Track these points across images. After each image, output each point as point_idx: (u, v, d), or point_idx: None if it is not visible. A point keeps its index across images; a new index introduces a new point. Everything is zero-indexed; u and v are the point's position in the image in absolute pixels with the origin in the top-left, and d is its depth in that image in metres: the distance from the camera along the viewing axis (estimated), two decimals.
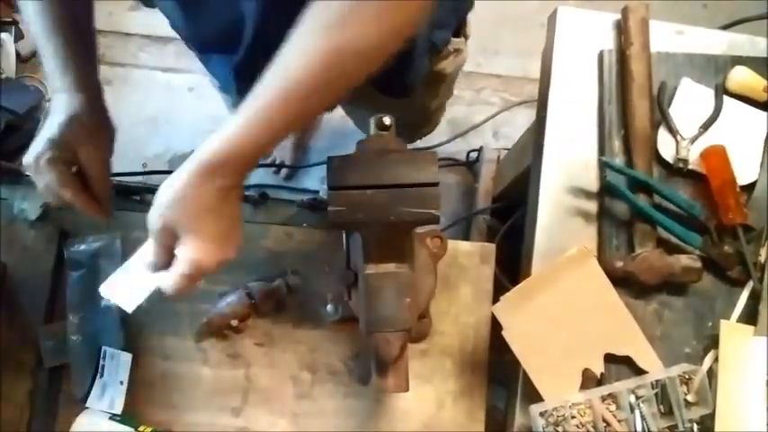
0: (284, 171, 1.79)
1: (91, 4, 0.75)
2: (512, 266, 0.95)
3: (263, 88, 0.52)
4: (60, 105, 0.70)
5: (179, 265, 0.57)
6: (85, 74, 0.72)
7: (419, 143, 1.51)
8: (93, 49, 0.75)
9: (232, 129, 0.53)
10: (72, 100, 0.70)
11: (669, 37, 0.91)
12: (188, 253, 0.56)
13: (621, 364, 0.81)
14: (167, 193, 0.55)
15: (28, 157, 0.70)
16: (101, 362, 0.86)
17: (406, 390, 0.69)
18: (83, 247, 0.90)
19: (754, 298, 0.81)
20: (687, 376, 0.78)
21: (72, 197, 0.70)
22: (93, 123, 0.71)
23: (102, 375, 0.86)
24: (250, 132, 0.53)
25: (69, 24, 0.70)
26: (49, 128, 0.69)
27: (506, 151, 1.63)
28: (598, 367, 0.80)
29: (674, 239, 0.82)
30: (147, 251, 0.60)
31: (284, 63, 0.52)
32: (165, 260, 0.58)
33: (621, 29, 0.88)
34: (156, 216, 0.56)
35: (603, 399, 0.78)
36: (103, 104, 0.74)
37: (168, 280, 0.57)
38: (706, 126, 0.85)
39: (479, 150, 1.73)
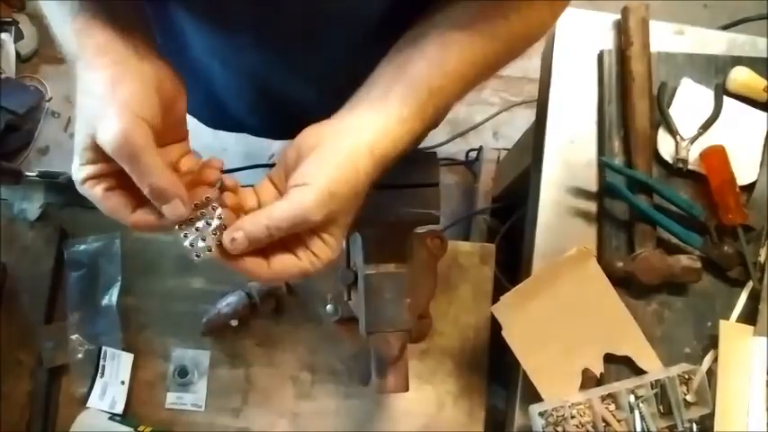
0: None
1: None
2: (512, 266, 0.95)
3: (426, 79, 0.48)
4: (87, 84, 0.45)
5: (312, 260, 0.48)
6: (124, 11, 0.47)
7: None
8: None
9: (401, 125, 0.48)
10: (102, 69, 0.45)
11: (669, 37, 0.91)
12: (330, 251, 0.48)
13: (621, 364, 0.81)
14: (344, 186, 0.46)
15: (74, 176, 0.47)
16: (101, 362, 0.86)
17: (406, 390, 0.69)
18: (83, 247, 0.90)
19: (754, 298, 0.81)
20: (687, 376, 0.78)
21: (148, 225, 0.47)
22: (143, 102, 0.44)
23: (102, 375, 0.86)
24: (414, 128, 0.49)
25: None
26: (79, 130, 0.45)
27: (506, 151, 1.63)
28: (598, 367, 0.80)
29: (673, 240, 0.82)
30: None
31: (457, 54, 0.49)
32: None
33: (621, 29, 0.88)
34: (319, 205, 0.45)
35: (603, 399, 0.78)
36: (155, 54, 0.48)
37: (289, 273, 0.48)
38: (706, 126, 0.85)
39: (479, 150, 1.73)
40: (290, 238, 0.48)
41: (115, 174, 0.46)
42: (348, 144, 0.47)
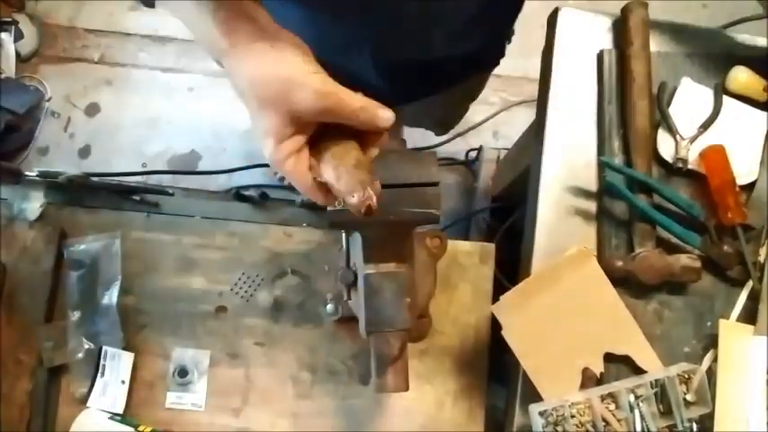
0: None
1: None
2: (511, 266, 0.95)
3: None
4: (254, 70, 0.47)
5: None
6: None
7: (419, 143, 1.51)
8: None
9: None
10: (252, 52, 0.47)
11: (669, 37, 0.91)
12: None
13: (621, 364, 0.81)
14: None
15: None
16: (101, 361, 0.86)
17: (406, 390, 0.69)
18: (83, 247, 0.90)
19: (754, 298, 0.81)
20: (686, 376, 0.78)
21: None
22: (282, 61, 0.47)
23: (102, 375, 0.86)
24: None
25: None
26: (265, 116, 0.48)
27: (506, 151, 1.63)
28: (598, 367, 0.80)
29: (673, 239, 0.82)
30: None
31: None
32: None
33: (621, 29, 0.88)
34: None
35: (603, 398, 0.78)
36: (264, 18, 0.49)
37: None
38: (705, 126, 0.85)
39: (479, 150, 1.73)
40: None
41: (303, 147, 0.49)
42: None
